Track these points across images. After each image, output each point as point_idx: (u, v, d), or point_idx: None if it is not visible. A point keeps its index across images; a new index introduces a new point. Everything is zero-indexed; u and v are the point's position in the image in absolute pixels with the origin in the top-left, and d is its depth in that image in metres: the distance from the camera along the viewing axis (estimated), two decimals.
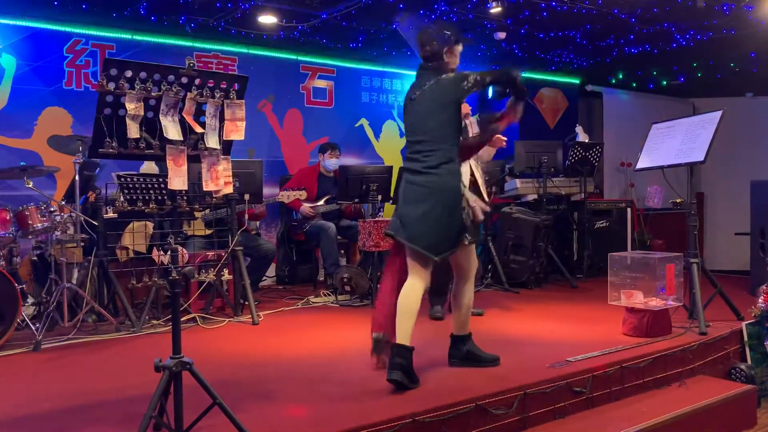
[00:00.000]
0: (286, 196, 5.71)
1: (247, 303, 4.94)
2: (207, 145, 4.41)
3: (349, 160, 7.34)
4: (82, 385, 3.40)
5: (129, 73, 4.08)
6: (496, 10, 6.03)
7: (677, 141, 4.75)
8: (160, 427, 2.54)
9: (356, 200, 5.91)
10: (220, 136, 4.47)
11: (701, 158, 4.49)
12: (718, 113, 4.56)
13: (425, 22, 6.06)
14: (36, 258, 4.98)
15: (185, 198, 4.76)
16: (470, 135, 4.50)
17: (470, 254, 3.52)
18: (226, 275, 5.04)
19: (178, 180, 4.31)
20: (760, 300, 4.51)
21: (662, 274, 4.36)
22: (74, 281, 4.78)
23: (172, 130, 4.21)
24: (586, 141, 7.25)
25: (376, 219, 5.52)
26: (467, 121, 4.66)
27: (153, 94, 4.16)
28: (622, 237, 7.25)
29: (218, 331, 4.64)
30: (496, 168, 6.36)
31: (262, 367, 3.71)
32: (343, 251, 6.71)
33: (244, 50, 7.09)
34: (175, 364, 2.51)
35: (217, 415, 2.56)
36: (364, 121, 8.02)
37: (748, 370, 4.26)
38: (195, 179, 4.69)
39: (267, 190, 6.12)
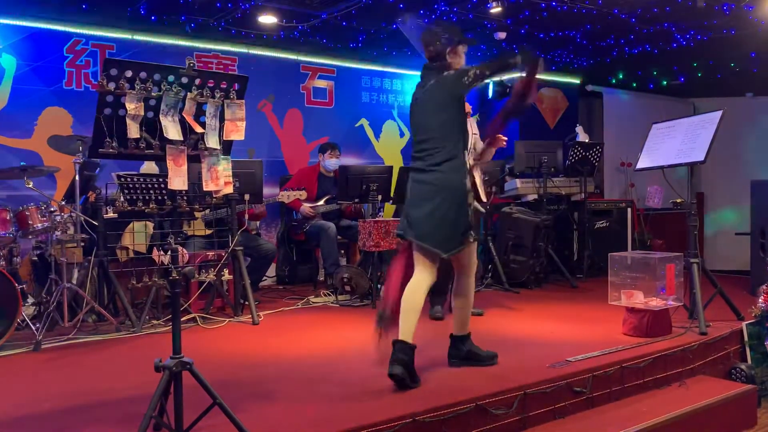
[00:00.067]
0: (286, 196, 5.71)
1: (247, 303, 4.95)
2: (207, 145, 4.41)
3: (349, 160, 7.34)
4: (82, 385, 3.40)
5: (129, 73, 4.09)
6: (496, 10, 6.03)
7: (677, 141, 4.75)
8: (160, 427, 2.54)
9: (356, 200, 5.91)
10: (220, 136, 4.48)
11: (701, 158, 4.49)
12: (719, 113, 4.56)
13: (426, 22, 6.06)
14: (36, 258, 4.99)
15: (185, 198, 4.76)
16: (470, 134, 4.49)
17: (472, 252, 3.54)
18: (226, 275, 5.04)
19: (178, 180, 4.31)
20: (760, 300, 4.51)
21: (662, 274, 4.36)
22: (74, 281, 4.78)
23: (172, 130, 4.21)
24: (587, 141, 7.26)
25: (377, 219, 5.52)
26: (467, 121, 4.65)
27: (153, 94, 4.16)
28: (623, 237, 7.26)
29: (218, 331, 4.64)
30: (496, 168, 6.36)
31: (262, 367, 3.71)
32: (343, 251, 6.71)
33: (244, 50, 7.09)
34: (175, 364, 2.51)
35: (217, 415, 2.56)
36: (364, 121, 8.02)
37: (749, 370, 4.26)
38: (195, 179, 4.69)
39: (267, 190, 6.12)
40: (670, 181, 4.84)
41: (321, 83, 7.70)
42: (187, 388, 2.55)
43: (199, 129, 4.32)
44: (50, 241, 4.57)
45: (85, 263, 4.83)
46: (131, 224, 5.33)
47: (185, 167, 4.32)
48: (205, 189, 4.56)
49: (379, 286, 5.62)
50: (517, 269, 6.33)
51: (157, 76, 4.17)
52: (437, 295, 4.88)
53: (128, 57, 6.05)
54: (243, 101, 4.54)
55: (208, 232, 5.52)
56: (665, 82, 9.05)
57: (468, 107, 4.80)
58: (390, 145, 8.20)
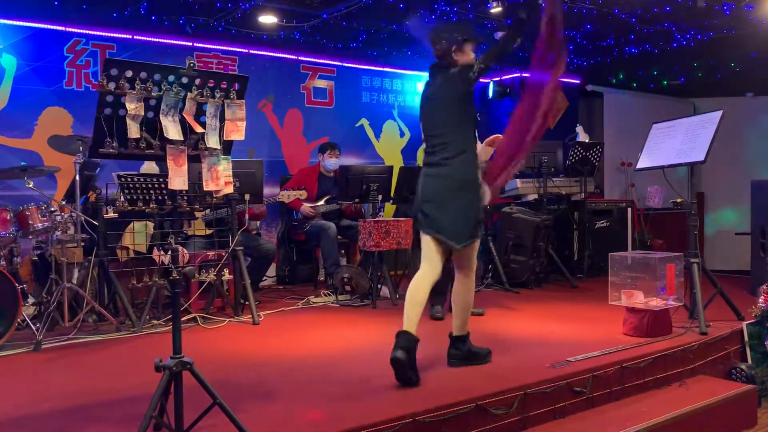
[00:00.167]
0: (287, 196, 5.71)
1: (247, 303, 4.95)
2: (207, 145, 4.41)
3: (350, 160, 7.34)
4: (82, 385, 3.40)
5: (129, 73, 4.08)
6: (496, 10, 6.04)
7: (677, 141, 4.75)
8: (161, 427, 2.54)
9: (356, 200, 5.91)
10: (220, 136, 4.47)
11: (701, 158, 4.49)
12: (719, 113, 4.56)
13: (426, 22, 6.07)
14: (36, 258, 4.99)
15: (185, 198, 4.76)
16: None
17: (473, 252, 3.56)
18: (227, 275, 5.04)
19: (178, 180, 4.31)
20: (760, 300, 4.51)
21: (663, 274, 4.36)
22: (75, 281, 4.78)
23: (172, 130, 4.21)
24: (587, 141, 7.25)
25: (377, 219, 5.52)
26: None
27: (153, 94, 4.16)
28: (623, 237, 7.26)
29: (218, 331, 4.64)
30: None
31: (262, 367, 3.71)
32: (343, 251, 6.71)
33: (244, 50, 7.09)
34: (175, 364, 2.51)
35: (218, 415, 2.56)
36: (364, 121, 8.02)
37: (749, 370, 4.26)
38: (195, 179, 4.69)
39: (267, 190, 6.13)
40: (670, 181, 4.84)
41: (321, 83, 7.70)
42: (188, 388, 2.55)
43: (199, 129, 4.32)
44: (50, 241, 4.57)
45: (86, 263, 4.83)
46: (131, 224, 5.33)
47: (185, 167, 4.32)
48: (205, 189, 4.56)
49: (379, 286, 5.63)
50: (517, 269, 6.33)
51: (157, 76, 4.16)
52: (437, 295, 4.88)
53: (128, 57, 6.06)
54: (243, 101, 4.54)
55: (209, 232, 5.52)
56: (665, 82, 9.05)
57: None
58: (390, 145, 8.20)
